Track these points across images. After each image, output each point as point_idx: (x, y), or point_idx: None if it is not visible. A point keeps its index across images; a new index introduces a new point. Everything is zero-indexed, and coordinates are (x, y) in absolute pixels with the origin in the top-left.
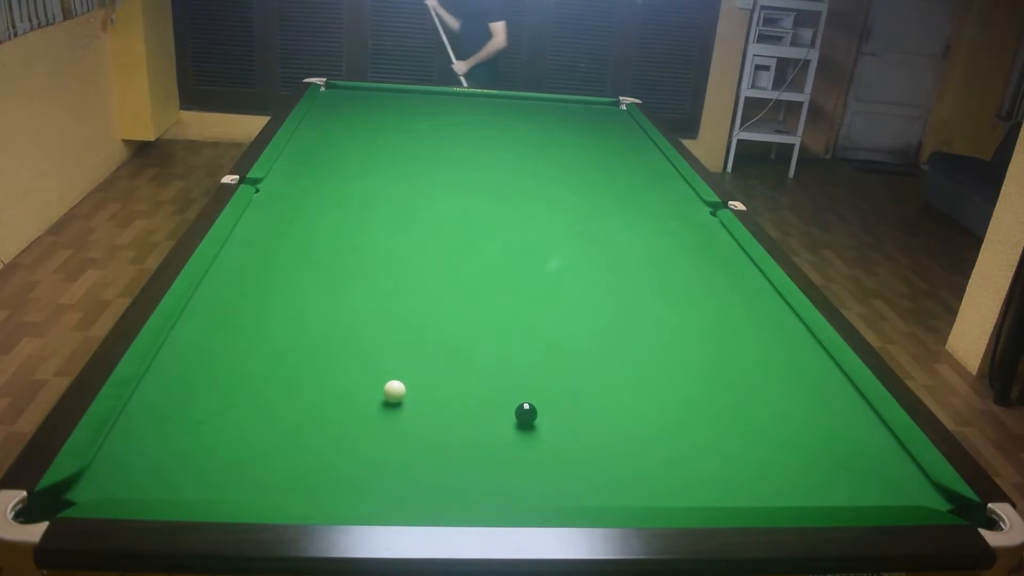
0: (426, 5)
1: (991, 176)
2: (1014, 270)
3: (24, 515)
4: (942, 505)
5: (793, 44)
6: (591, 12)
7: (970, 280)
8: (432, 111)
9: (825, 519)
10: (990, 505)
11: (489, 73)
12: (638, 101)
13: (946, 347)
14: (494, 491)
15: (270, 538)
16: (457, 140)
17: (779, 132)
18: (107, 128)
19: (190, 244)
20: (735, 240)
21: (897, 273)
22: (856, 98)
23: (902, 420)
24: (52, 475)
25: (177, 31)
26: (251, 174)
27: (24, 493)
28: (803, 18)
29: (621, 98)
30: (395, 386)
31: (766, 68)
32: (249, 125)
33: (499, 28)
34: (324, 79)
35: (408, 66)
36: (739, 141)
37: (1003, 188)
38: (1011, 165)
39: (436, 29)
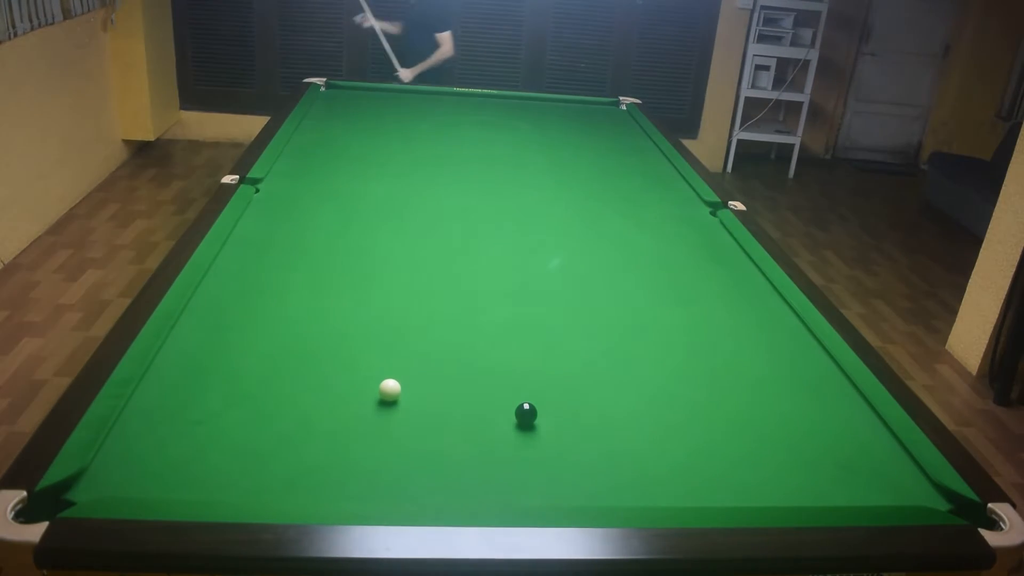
0: (363, 27)
1: (991, 176)
2: (1014, 270)
3: (24, 515)
4: (942, 505)
5: (793, 44)
6: (591, 12)
7: (970, 280)
8: (432, 111)
9: (825, 519)
10: (990, 505)
11: (436, 79)
12: (638, 101)
13: (946, 347)
14: (494, 491)
15: (270, 538)
16: (457, 140)
17: (779, 132)
18: (107, 128)
19: (190, 244)
20: (735, 240)
21: (897, 273)
22: (856, 98)
23: (902, 420)
24: (52, 475)
25: (177, 31)
26: (251, 174)
27: (24, 493)
28: (803, 18)
29: (621, 98)
30: (391, 384)
31: (766, 68)
32: (249, 125)
33: (446, 38)
34: (324, 79)
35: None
36: (739, 141)
37: (1003, 188)
38: (1011, 165)
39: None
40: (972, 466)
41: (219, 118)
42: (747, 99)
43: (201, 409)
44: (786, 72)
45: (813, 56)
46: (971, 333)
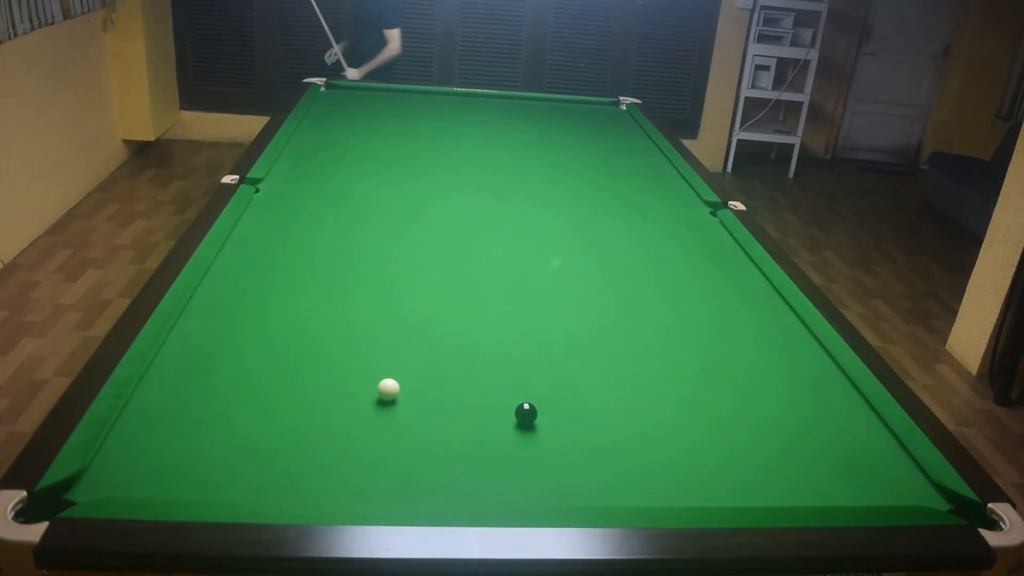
0: (329, 62)
1: (991, 176)
2: (1014, 270)
3: (24, 515)
4: (942, 505)
5: (793, 44)
6: (591, 12)
7: (970, 280)
8: (432, 111)
9: (825, 519)
10: (990, 505)
11: (382, 77)
12: (638, 101)
13: (946, 347)
14: (494, 491)
15: (270, 538)
16: (457, 140)
17: (779, 132)
18: (107, 128)
19: (190, 244)
20: (735, 240)
21: (897, 273)
22: (856, 98)
23: (902, 420)
24: (52, 475)
25: (177, 31)
26: (251, 174)
27: (24, 493)
28: (803, 18)
29: (621, 98)
30: (389, 384)
31: (766, 68)
32: (249, 125)
33: (394, 35)
34: (324, 79)
35: (408, 66)
36: (739, 141)
37: (1003, 188)
38: (1011, 165)
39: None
40: (972, 466)
41: (219, 118)
42: (747, 99)
43: (201, 409)
44: (786, 72)
45: (813, 56)
46: (971, 333)
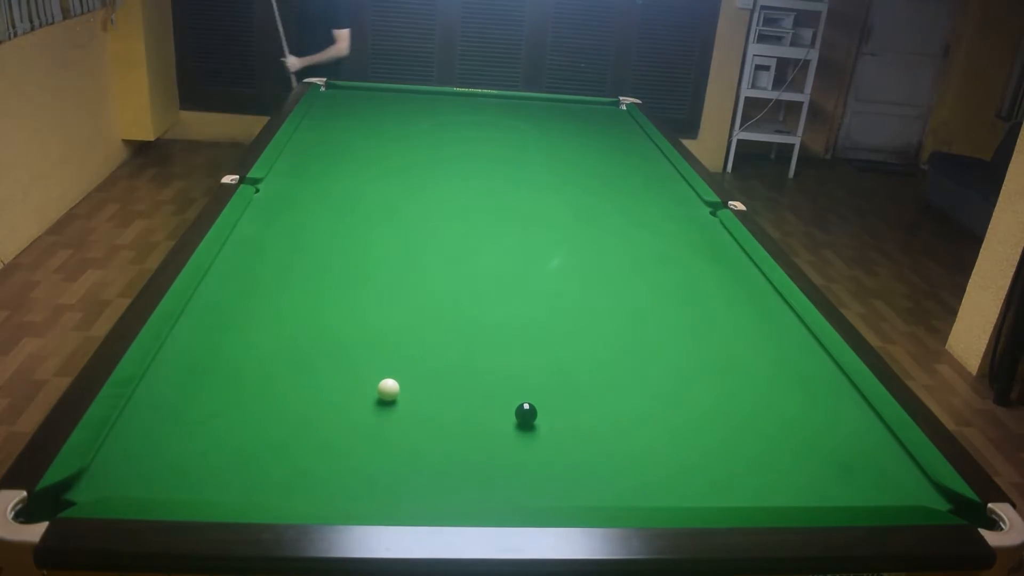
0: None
1: (991, 176)
2: (1014, 270)
3: (24, 515)
4: (942, 505)
5: (793, 44)
6: (591, 12)
7: (970, 280)
8: (432, 111)
9: (825, 519)
10: (990, 505)
11: (331, 75)
12: (638, 101)
13: (946, 347)
14: (494, 491)
15: (270, 538)
16: (457, 140)
17: (779, 132)
18: (107, 128)
19: (190, 244)
20: (735, 240)
21: (897, 273)
22: (856, 98)
23: (902, 420)
24: (52, 475)
25: (177, 31)
26: (251, 174)
27: (24, 493)
28: (803, 18)
29: (621, 98)
30: (389, 384)
31: (766, 68)
32: (249, 125)
33: (344, 35)
34: (324, 79)
35: (408, 66)
36: (739, 141)
37: (1003, 188)
38: (1011, 165)
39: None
40: (972, 466)
41: (219, 118)
42: (747, 99)
43: (201, 409)
44: (786, 72)
45: (813, 56)
46: (971, 333)
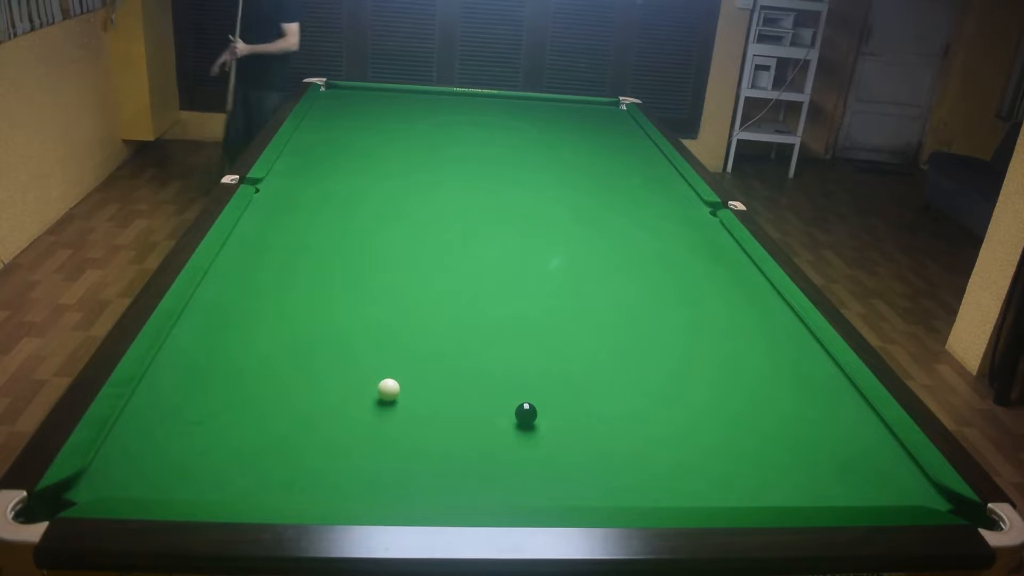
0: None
1: (991, 176)
2: (1014, 270)
3: (24, 515)
4: (942, 505)
5: (793, 44)
6: (591, 12)
7: (970, 280)
8: (432, 111)
9: (824, 519)
10: (990, 505)
11: (282, 77)
12: (638, 101)
13: (946, 347)
14: (494, 491)
15: (270, 538)
16: (457, 140)
17: (779, 132)
18: (107, 128)
19: (190, 244)
20: (735, 240)
21: (897, 273)
22: (856, 98)
23: (902, 420)
24: (52, 475)
25: (177, 31)
26: (251, 174)
27: (24, 493)
28: (803, 18)
29: (621, 98)
30: (389, 384)
31: (766, 68)
32: None
33: (293, 30)
34: (324, 79)
35: (408, 66)
36: (739, 141)
37: (1003, 188)
38: (1011, 165)
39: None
40: (972, 466)
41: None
42: (747, 99)
43: (201, 409)
44: (786, 72)
45: (813, 56)
46: (971, 333)
